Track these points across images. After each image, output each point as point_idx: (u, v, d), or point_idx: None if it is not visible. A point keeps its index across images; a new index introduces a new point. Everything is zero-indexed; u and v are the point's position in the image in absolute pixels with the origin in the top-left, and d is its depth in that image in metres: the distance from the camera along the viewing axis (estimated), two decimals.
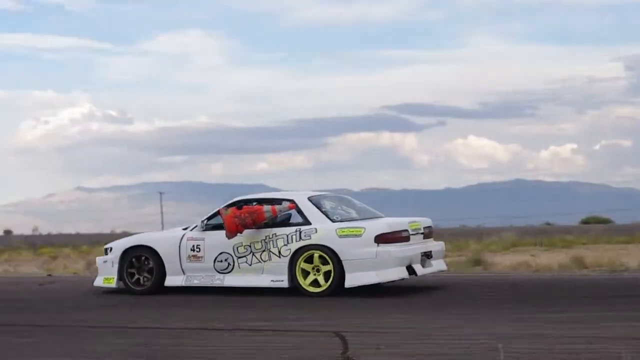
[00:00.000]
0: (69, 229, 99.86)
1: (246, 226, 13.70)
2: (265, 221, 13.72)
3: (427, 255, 13.86)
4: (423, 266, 13.72)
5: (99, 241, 36.18)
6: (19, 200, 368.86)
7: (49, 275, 18.85)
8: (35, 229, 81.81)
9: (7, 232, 77.18)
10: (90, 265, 20.14)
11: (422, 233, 14.04)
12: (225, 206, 14.03)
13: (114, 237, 37.81)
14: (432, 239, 14.49)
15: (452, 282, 15.06)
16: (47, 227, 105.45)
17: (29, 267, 22.43)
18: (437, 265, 14.27)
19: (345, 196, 15.22)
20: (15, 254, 29.02)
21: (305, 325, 10.17)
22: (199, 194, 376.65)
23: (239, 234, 13.72)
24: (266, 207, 13.76)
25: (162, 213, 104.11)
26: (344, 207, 14.30)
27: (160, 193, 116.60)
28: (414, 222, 14.00)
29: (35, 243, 37.32)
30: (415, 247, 13.69)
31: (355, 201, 14.85)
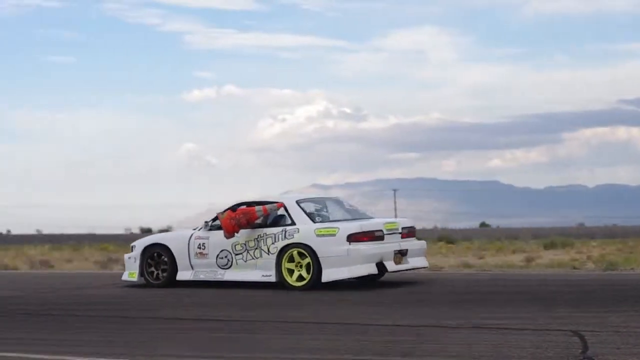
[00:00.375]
0: None
1: (241, 226, 15.22)
2: (258, 220, 15.21)
3: (401, 253, 15.03)
4: (396, 263, 14.94)
5: None
6: (256, 198, 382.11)
7: None
8: None
9: None
10: None
11: (399, 233, 15.25)
12: (224, 210, 15.47)
13: None
14: (413, 238, 15.68)
15: None
16: None
17: None
18: (414, 262, 15.44)
19: (337, 199, 16.60)
20: None
21: (540, 324, 10.12)
22: (432, 190, 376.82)
23: (235, 234, 15.24)
24: (258, 208, 15.24)
25: (395, 210, 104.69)
26: (330, 210, 15.72)
27: (394, 190, 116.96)
28: (391, 222, 15.37)
29: None
30: (388, 245, 14.92)
31: (346, 204, 16.27)
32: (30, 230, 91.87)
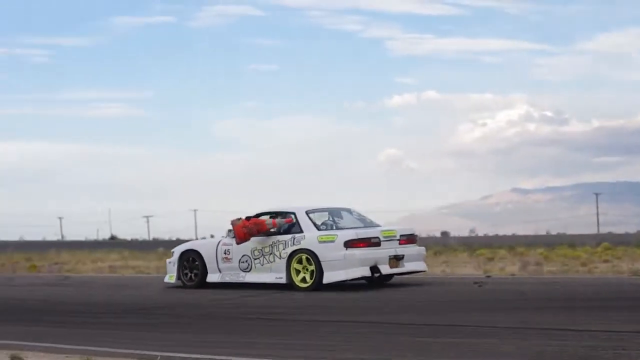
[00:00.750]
0: (505, 230, 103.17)
1: (252, 234, 17.08)
2: (267, 230, 17.00)
3: (396, 258, 16.60)
4: (391, 267, 16.53)
5: (534, 243, 36.18)
6: (455, 202, 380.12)
7: (488, 276, 18.72)
8: (471, 231, 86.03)
9: (444, 234, 78.71)
10: (526, 266, 20.96)
11: (397, 239, 16.80)
12: (238, 218, 17.27)
13: (549, 238, 37.03)
14: (412, 245, 17.17)
15: None
16: (483, 229, 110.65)
17: (466, 268, 22.38)
18: (411, 266, 16.96)
19: (348, 209, 17.94)
20: (452, 255, 29.30)
21: None
22: (636, 194, 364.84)
23: (247, 241, 17.07)
24: (268, 220, 17.13)
25: (597, 214, 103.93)
26: (337, 219, 17.32)
27: (596, 194, 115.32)
28: (389, 230, 16.93)
29: (471, 244, 37.84)
30: (384, 251, 16.51)
31: (355, 214, 17.70)
32: None
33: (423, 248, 17.69)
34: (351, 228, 16.93)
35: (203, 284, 17.72)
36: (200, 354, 8.73)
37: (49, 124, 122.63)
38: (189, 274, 18.04)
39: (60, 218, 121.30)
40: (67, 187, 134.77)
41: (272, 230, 17.00)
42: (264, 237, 17.04)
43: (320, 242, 16.40)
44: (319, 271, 16.29)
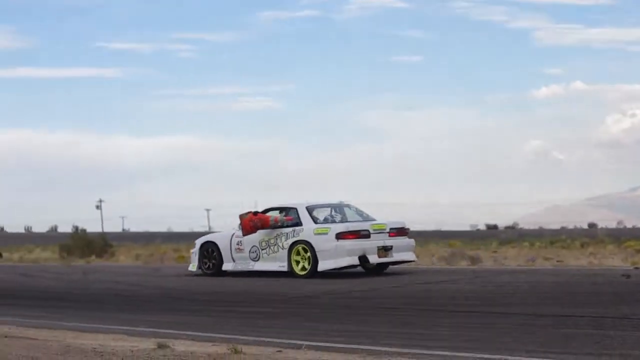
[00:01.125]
0: None
1: (257, 228, 19.06)
2: (269, 226, 18.95)
3: (385, 249, 18.33)
4: (379, 257, 18.31)
5: None
6: (603, 194, 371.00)
7: (636, 268, 18.42)
8: (619, 223, 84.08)
9: (592, 226, 77.00)
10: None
11: (387, 232, 18.56)
12: (246, 212, 19.29)
13: None
14: (403, 237, 18.88)
15: None
16: (631, 221, 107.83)
17: (613, 260, 22.07)
18: (399, 256, 18.71)
19: (345, 204, 19.84)
20: (600, 246, 28.97)
21: None
22: None
23: (253, 234, 19.03)
24: (272, 216, 19.04)
25: None
26: (334, 214, 19.34)
27: None
28: (379, 224, 18.70)
29: (619, 236, 36.91)
30: (373, 242, 18.26)
31: (352, 209, 19.64)
32: None
33: (412, 240, 19.46)
34: (346, 222, 18.89)
35: (219, 272, 19.78)
36: (344, 343, 8.69)
37: (195, 118, 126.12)
38: (208, 263, 20.14)
39: (207, 210, 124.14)
40: (214, 180, 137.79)
41: (274, 225, 18.98)
42: (270, 230, 19.03)
43: (315, 234, 18.34)
44: (314, 260, 18.23)
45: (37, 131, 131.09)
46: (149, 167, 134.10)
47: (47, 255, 38.50)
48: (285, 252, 18.73)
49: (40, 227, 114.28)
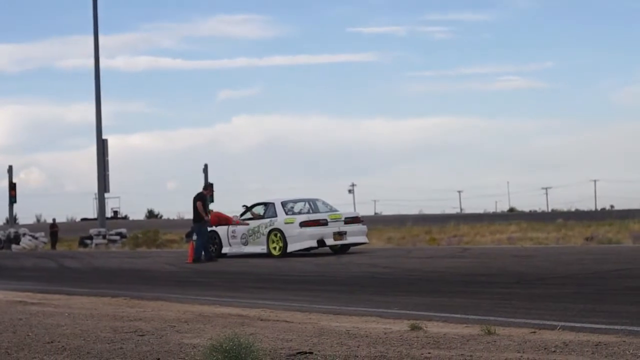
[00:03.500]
0: None
1: (221, 223, 24.98)
2: (232, 223, 24.78)
3: (340, 234, 23.59)
4: (334, 240, 23.53)
5: None
6: None
7: None
8: None
9: None
10: None
11: (342, 220, 23.81)
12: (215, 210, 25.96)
13: None
14: (356, 224, 24.10)
15: None
16: None
17: None
18: (352, 239, 23.90)
19: (315, 199, 25.07)
20: None
21: None
22: None
23: (219, 226, 24.91)
24: (234, 218, 24.94)
25: None
26: (305, 207, 24.52)
27: None
28: (335, 214, 24.07)
29: None
30: (330, 229, 23.50)
31: (320, 203, 24.81)
32: (635, 205, 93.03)
33: (365, 226, 24.64)
34: (312, 213, 24.09)
35: (220, 255, 24.70)
36: (600, 324, 8.42)
37: (450, 100, 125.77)
38: (212, 247, 24.58)
39: (459, 191, 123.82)
40: (466, 161, 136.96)
41: (236, 222, 24.67)
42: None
43: (285, 223, 23.54)
44: (284, 243, 23.42)
45: (291, 117, 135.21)
46: (401, 150, 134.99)
47: None
48: (265, 237, 23.95)
49: None
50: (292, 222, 23.39)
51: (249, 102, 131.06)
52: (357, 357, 7.11)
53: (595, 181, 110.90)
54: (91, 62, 48.55)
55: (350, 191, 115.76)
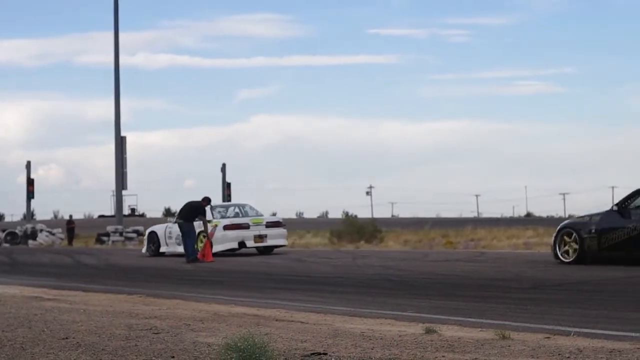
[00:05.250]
0: None
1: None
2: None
3: (260, 237, 25.99)
4: (255, 242, 26.01)
5: None
6: None
7: None
8: None
9: None
10: None
11: (263, 225, 26.16)
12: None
13: None
14: (277, 228, 26.57)
15: None
16: None
17: None
18: (272, 242, 26.36)
19: (243, 204, 27.72)
20: None
21: None
22: None
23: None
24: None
25: None
26: (232, 211, 26.99)
27: None
28: (257, 219, 26.33)
29: None
30: (251, 232, 25.84)
31: (248, 208, 27.19)
32: None
33: (285, 230, 27.06)
34: (239, 217, 26.43)
35: (157, 254, 27.10)
36: (616, 330, 8.43)
37: (468, 103, 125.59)
38: (152, 247, 27.41)
39: (476, 195, 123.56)
40: (484, 165, 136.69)
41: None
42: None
43: (211, 226, 24.86)
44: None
45: (309, 118, 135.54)
46: (419, 153, 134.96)
47: (317, 241, 39.69)
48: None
49: (311, 214, 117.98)
50: (217, 225, 25.50)
51: (268, 102, 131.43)
52: (371, 359, 7.11)
53: (613, 187, 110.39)
54: (111, 58, 48.78)
55: (367, 193, 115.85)
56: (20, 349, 7.94)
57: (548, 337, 8.09)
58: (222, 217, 26.33)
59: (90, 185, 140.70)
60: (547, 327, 8.79)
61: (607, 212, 17.78)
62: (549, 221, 69.62)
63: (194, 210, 23.98)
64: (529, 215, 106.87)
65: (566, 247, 18.06)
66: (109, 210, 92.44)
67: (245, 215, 26.53)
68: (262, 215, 27.13)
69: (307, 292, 14.11)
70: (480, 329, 8.81)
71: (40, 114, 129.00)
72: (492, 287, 14.18)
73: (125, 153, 47.98)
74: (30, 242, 49.47)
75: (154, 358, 7.34)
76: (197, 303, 12.11)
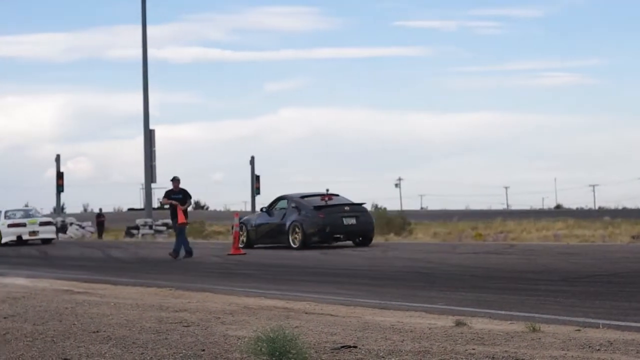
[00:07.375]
0: None
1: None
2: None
3: (33, 232, 37.27)
4: (29, 236, 37.20)
5: None
6: None
7: None
8: None
9: None
10: None
11: (38, 224, 37.57)
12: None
13: None
14: (49, 225, 38.49)
15: None
16: None
17: None
18: (43, 236, 37.61)
19: (30, 209, 40.05)
20: None
21: None
22: None
23: None
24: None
25: None
26: (21, 214, 38.56)
27: None
28: (33, 219, 37.87)
29: None
30: (26, 229, 37.18)
31: (34, 212, 39.70)
32: None
33: (54, 227, 39.46)
34: (30, 217, 37.92)
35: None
36: None
37: (497, 95, 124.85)
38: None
39: (506, 187, 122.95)
40: (513, 157, 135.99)
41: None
42: None
43: (1, 225, 37.28)
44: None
45: (338, 110, 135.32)
46: (449, 145, 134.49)
47: None
48: None
49: None
50: (3, 224, 37.25)
51: (296, 95, 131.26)
52: (402, 351, 7.11)
53: None
54: (139, 52, 48.95)
55: (396, 185, 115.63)
56: (52, 342, 8.01)
57: (578, 330, 8.05)
58: (8, 218, 37.61)
59: (119, 178, 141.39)
60: (577, 319, 8.75)
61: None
62: (579, 213, 69.20)
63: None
64: (558, 207, 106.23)
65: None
66: (138, 203, 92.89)
67: (29, 217, 38.05)
68: (39, 217, 38.97)
69: (337, 284, 14.11)
70: (510, 322, 8.78)
71: (69, 108, 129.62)
72: (522, 279, 14.12)
73: (154, 146, 48.16)
74: (60, 235, 49.85)
75: (184, 351, 7.38)
76: (226, 296, 12.14)
